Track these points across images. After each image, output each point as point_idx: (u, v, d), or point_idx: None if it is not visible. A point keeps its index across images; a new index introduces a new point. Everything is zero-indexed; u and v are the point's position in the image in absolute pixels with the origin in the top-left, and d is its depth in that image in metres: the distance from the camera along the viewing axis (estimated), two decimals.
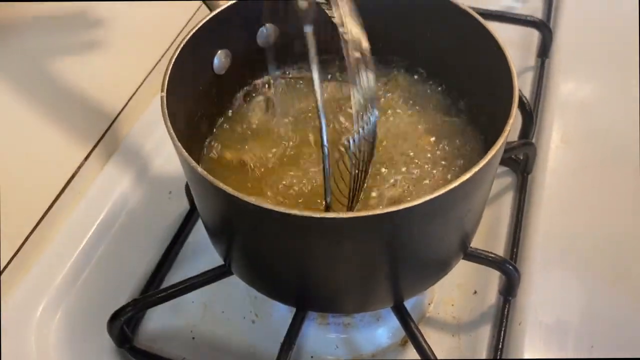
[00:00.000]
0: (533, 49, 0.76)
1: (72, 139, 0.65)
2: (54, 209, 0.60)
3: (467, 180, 0.38)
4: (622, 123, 0.67)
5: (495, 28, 0.46)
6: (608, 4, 0.82)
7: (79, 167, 0.62)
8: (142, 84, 0.71)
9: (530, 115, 0.63)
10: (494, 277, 0.56)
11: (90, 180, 0.64)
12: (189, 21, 0.76)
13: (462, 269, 0.53)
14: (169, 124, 0.41)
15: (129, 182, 0.65)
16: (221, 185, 0.37)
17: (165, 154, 0.67)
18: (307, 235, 0.40)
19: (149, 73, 0.72)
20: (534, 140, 0.64)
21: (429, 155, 0.51)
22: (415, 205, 0.37)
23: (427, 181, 0.50)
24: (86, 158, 0.63)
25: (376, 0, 0.50)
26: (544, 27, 0.74)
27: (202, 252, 0.60)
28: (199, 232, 0.62)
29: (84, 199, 0.63)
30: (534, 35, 0.76)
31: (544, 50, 0.74)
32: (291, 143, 0.53)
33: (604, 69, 0.74)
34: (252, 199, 0.36)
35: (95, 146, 0.65)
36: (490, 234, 0.59)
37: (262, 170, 0.50)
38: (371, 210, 0.37)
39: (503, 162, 0.63)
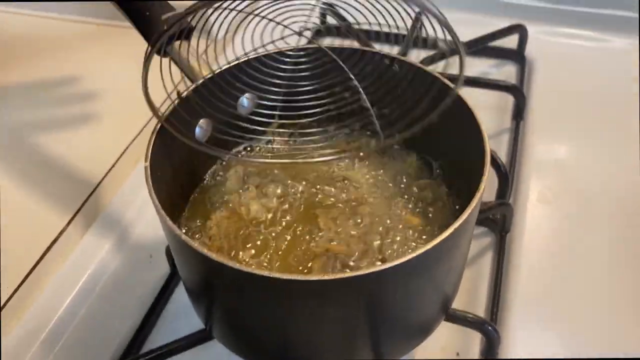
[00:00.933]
0: (508, 111, 0.79)
1: (54, 205, 0.65)
2: (34, 274, 0.60)
3: (445, 239, 0.39)
4: (597, 182, 0.69)
5: (472, 92, 0.48)
6: (578, 68, 0.85)
7: (61, 233, 0.63)
8: (124, 152, 0.72)
9: (506, 175, 0.64)
10: (476, 338, 0.56)
11: (71, 246, 0.64)
12: (170, 92, 0.78)
13: (445, 329, 0.53)
14: (153, 194, 0.42)
15: (109, 247, 0.65)
16: (204, 251, 0.38)
17: (146, 218, 0.68)
18: (289, 297, 0.40)
19: (132, 142, 0.73)
20: (510, 201, 0.66)
21: (404, 217, 0.52)
22: (395, 266, 0.37)
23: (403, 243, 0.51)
24: (68, 224, 0.64)
25: (349, 65, 0.52)
26: (517, 92, 0.77)
27: (183, 316, 0.59)
28: (180, 296, 0.61)
29: (65, 264, 0.62)
30: (509, 98, 0.78)
31: (518, 113, 0.77)
32: (268, 208, 0.53)
33: (577, 130, 0.76)
34: (234, 264, 0.37)
35: (77, 213, 0.65)
36: (471, 295, 0.60)
37: (240, 235, 0.51)
38: (352, 271, 0.38)
39: (481, 223, 0.64)
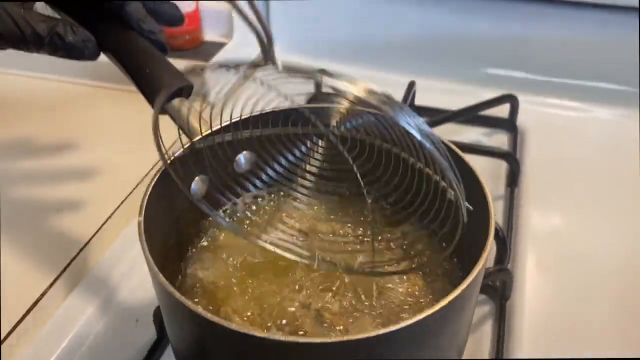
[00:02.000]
0: (502, 178, 0.79)
1: (36, 265, 0.63)
2: (10, 338, 0.57)
3: (449, 304, 0.38)
4: (594, 249, 0.68)
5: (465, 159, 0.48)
6: (568, 137, 0.86)
7: (43, 294, 0.60)
8: (114, 213, 0.70)
9: (504, 241, 0.63)
10: None
11: (54, 307, 0.61)
12: (167, 150, 0.77)
13: None
14: (146, 248, 0.40)
15: (93, 310, 0.62)
16: (199, 309, 0.36)
17: (133, 281, 0.65)
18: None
19: (123, 201, 0.71)
20: (509, 267, 0.64)
21: (406, 283, 0.51)
22: (396, 330, 0.36)
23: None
24: (51, 284, 0.61)
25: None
26: (511, 158, 0.77)
27: None
28: None
29: (46, 326, 0.60)
30: (502, 165, 0.79)
31: (513, 180, 0.77)
32: (266, 265, 0.51)
33: (572, 198, 0.76)
34: (230, 324, 0.36)
35: (61, 273, 0.63)
36: None
37: (237, 294, 0.49)
38: (352, 335, 0.36)
39: (481, 290, 0.62)
